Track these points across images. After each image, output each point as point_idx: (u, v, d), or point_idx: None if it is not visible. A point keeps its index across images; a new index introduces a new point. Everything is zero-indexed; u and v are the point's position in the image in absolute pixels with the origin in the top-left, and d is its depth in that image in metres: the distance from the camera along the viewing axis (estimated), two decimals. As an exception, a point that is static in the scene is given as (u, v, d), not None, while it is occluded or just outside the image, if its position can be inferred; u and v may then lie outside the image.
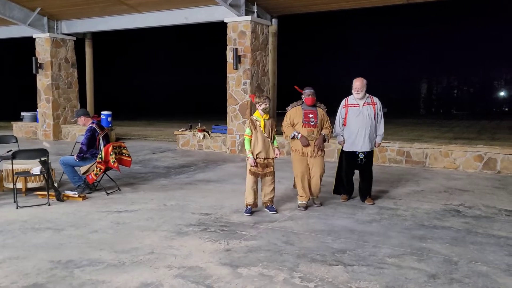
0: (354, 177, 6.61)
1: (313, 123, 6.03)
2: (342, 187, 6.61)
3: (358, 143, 6.29)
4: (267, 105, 5.80)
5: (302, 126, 6.02)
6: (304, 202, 6.12)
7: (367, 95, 6.34)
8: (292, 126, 6.09)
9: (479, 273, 3.99)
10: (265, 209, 5.95)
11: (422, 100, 55.38)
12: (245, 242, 4.75)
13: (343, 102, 6.43)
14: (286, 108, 6.26)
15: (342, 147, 6.52)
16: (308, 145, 5.97)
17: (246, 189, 5.89)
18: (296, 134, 6.02)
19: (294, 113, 6.12)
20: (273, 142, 5.90)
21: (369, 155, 6.40)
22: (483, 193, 7.25)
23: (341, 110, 6.42)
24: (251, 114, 11.51)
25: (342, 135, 6.43)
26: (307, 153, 6.04)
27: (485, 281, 3.81)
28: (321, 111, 6.15)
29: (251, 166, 5.76)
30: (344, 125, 6.38)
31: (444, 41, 45.36)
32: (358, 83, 6.27)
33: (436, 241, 4.84)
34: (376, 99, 6.39)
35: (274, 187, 5.97)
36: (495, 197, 7.01)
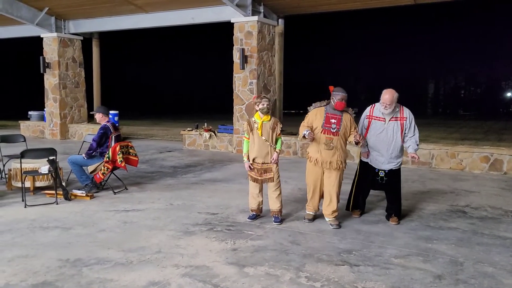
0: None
1: (334, 130, 5.18)
2: (354, 202, 5.81)
3: (377, 162, 5.52)
4: (264, 105, 5.26)
5: (321, 132, 5.20)
6: (311, 213, 5.52)
7: (397, 107, 5.36)
8: (311, 129, 5.27)
9: (485, 274, 3.99)
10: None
11: (429, 101, 55.18)
12: (251, 242, 4.77)
13: (367, 111, 5.53)
14: (308, 108, 5.44)
15: (361, 158, 5.75)
16: (313, 139, 5.18)
17: (249, 194, 5.63)
18: (306, 132, 5.14)
19: (314, 115, 5.29)
20: (276, 144, 5.41)
21: (393, 174, 5.52)
22: (490, 194, 7.23)
23: (363, 120, 5.55)
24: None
25: (366, 145, 5.56)
26: (322, 163, 5.26)
27: (491, 282, 3.82)
28: (347, 117, 5.25)
29: (248, 170, 5.46)
30: (365, 136, 5.53)
31: (452, 41, 45.19)
32: (388, 97, 5.23)
33: (442, 242, 4.85)
34: (407, 112, 5.38)
35: (280, 194, 5.48)
36: (502, 198, 6.99)
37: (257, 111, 5.39)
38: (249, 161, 5.42)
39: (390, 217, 5.62)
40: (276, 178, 5.44)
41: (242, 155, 5.53)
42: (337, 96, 5.16)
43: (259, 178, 5.42)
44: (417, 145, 5.48)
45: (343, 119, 5.22)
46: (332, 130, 5.19)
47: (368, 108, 5.56)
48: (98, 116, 7.36)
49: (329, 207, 5.37)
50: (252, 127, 5.39)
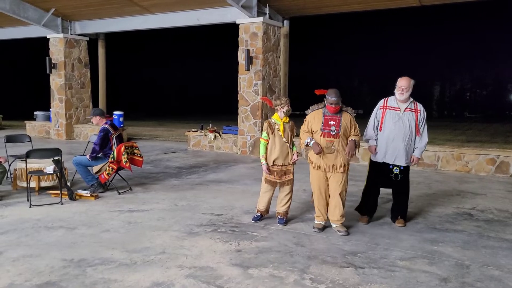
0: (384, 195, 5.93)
1: (334, 133, 5.00)
2: (365, 205, 5.64)
3: (392, 155, 5.33)
4: (289, 107, 5.26)
5: (321, 136, 5.02)
6: (321, 222, 5.23)
7: (411, 99, 5.32)
8: (312, 133, 5.13)
9: (491, 277, 3.96)
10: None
11: (435, 103, 55.00)
12: (256, 243, 4.76)
13: (381, 103, 5.44)
14: (306, 112, 5.27)
15: (371, 157, 5.57)
16: (320, 152, 4.97)
17: (260, 195, 5.53)
18: (309, 140, 5.05)
19: (313, 118, 5.13)
20: (292, 147, 5.39)
21: (406, 171, 5.42)
22: (496, 197, 7.18)
23: (377, 112, 5.43)
24: (262, 115, 11.62)
25: (375, 140, 5.44)
26: (325, 167, 5.07)
27: (497, 286, 3.78)
28: (346, 117, 5.07)
29: (266, 174, 5.36)
30: (379, 130, 5.40)
31: (457, 43, 45.03)
32: (404, 82, 5.23)
33: (448, 244, 4.81)
34: (420, 106, 5.36)
35: (290, 198, 5.45)
36: (508, 201, 6.94)
37: (276, 111, 5.34)
38: (267, 163, 5.32)
39: (396, 219, 5.53)
40: (292, 179, 5.41)
41: (260, 156, 5.40)
42: (329, 99, 4.98)
43: (279, 181, 5.35)
44: (425, 145, 5.45)
45: (343, 120, 5.04)
46: (331, 132, 5.00)
47: (382, 100, 5.47)
48: (95, 120, 7.30)
49: (335, 212, 5.15)
50: (273, 129, 5.30)
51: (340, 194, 5.11)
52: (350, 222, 5.54)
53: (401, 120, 5.28)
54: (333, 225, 5.22)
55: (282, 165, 5.32)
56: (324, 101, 5.09)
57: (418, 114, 5.32)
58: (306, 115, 5.28)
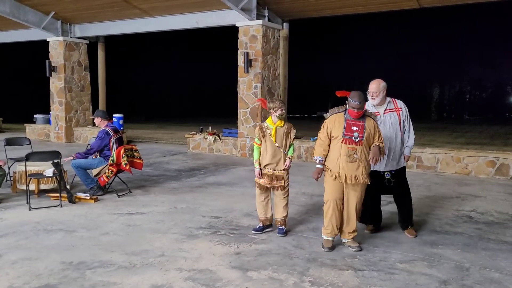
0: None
1: (356, 139, 4.50)
2: (368, 214, 5.25)
3: (382, 162, 4.95)
4: (283, 111, 5.01)
5: (342, 142, 4.52)
6: (330, 239, 4.70)
7: (388, 99, 5.07)
8: (330, 140, 4.63)
9: (491, 279, 3.95)
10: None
11: (434, 105, 54.99)
12: (255, 246, 4.76)
13: None
14: (325, 115, 4.77)
15: None
16: (317, 179, 4.69)
17: (256, 204, 5.32)
18: (319, 161, 4.67)
19: (333, 122, 4.61)
20: (288, 151, 5.12)
21: (399, 173, 5.14)
22: (496, 199, 7.18)
23: None
24: (262, 118, 11.62)
25: None
26: (345, 177, 4.54)
27: (497, 288, 3.78)
28: (370, 123, 4.58)
29: (257, 177, 5.16)
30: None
31: (457, 45, 45.10)
32: (373, 86, 4.98)
33: (448, 247, 4.81)
34: (400, 103, 5.10)
35: (287, 204, 5.17)
36: (508, 203, 6.94)
37: (269, 115, 5.13)
38: (260, 167, 5.12)
39: (406, 229, 5.21)
40: (286, 185, 5.15)
41: (253, 161, 5.17)
42: (351, 103, 4.51)
43: (269, 185, 5.11)
44: (413, 142, 5.21)
45: (366, 126, 4.54)
46: (354, 139, 4.50)
47: None
48: (97, 120, 7.40)
49: (348, 225, 4.72)
50: (264, 133, 5.08)
51: (356, 206, 4.67)
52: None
53: (383, 124, 4.99)
54: (344, 240, 4.79)
55: (274, 170, 5.08)
56: (346, 104, 4.66)
57: (400, 112, 5.05)
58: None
